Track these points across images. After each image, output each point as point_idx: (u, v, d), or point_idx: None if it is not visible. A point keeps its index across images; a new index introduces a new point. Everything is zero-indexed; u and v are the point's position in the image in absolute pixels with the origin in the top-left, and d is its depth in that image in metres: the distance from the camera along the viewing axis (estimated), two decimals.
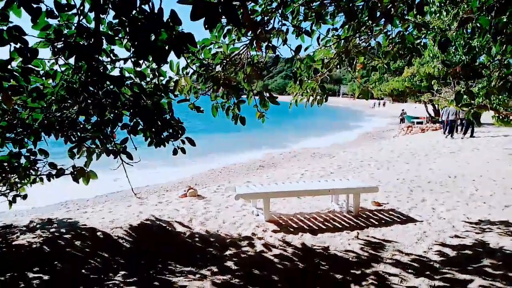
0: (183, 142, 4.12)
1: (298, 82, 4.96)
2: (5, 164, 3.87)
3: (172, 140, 4.13)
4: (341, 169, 10.49)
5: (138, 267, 3.95)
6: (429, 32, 5.04)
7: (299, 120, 37.35)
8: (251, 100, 4.42)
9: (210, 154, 16.06)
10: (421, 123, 24.19)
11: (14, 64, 2.78)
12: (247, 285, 3.61)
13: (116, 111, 3.73)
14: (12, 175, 4.28)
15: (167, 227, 5.01)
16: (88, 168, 3.91)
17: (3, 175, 4.13)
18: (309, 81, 5.01)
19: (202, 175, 11.63)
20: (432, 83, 13.06)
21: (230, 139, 21.52)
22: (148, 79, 4.05)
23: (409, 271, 4.03)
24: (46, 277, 3.47)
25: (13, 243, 4.28)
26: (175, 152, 4.21)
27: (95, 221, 5.13)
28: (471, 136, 16.42)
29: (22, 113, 3.81)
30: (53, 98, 3.61)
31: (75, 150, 3.80)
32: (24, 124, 3.79)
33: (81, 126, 3.93)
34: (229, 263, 4.09)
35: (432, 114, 25.72)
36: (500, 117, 10.84)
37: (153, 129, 3.94)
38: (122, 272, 3.74)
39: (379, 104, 62.18)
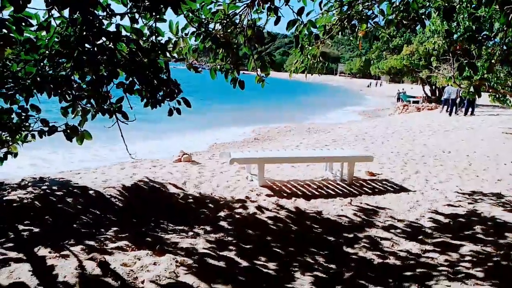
0: (179, 102, 4.03)
1: (299, 47, 4.84)
2: None
3: (168, 100, 4.04)
4: (335, 142, 10.47)
5: (130, 225, 3.93)
6: (434, 0, 4.90)
7: (294, 97, 37.08)
8: (251, 65, 4.32)
9: (203, 128, 15.92)
10: (417, 102, 24.18)
11: (5, 13, 2.66)
12: (239, 243, 3.60)
13: (111, 69, 3.62)
14: (3, 133, 4.18)
15: (161, 188, 4.97)
16: (82, 128, 3.83)
17: None
18: (310, 47, 4.90)
19: (196, 148, 11.56)
20: (431, 60, 12.91)
21: (225, 114, 21.35)
22: (145, 38, 3.92)
23: (401, 235, 4.06)
24: (36, 230, 3.43)
25: (4, 198, 4.21)
26: (170, 113, 4.12)
27: (87, 180, 5.07)
28: (472, 114, 16.69)
29: (13, 65, 3.68)
30: (47, 52, 3.48)
31: (69, 110, 3.70)
32: (15, 77, 3.67)
33: (76, 84, 3.82)
34: (222, 223, 4.08)
35: (429, 94, 25.67)
36: (497, 96, 10.81)
37: (149, 88, 3.85)
38: (114, 228, 3.71)
39: (376, 84, 61.91)
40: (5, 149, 4.46)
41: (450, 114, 17.25)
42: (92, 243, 3.22)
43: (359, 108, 28.01)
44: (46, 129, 4.03)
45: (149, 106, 4.06)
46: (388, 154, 8.12)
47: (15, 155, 4.56)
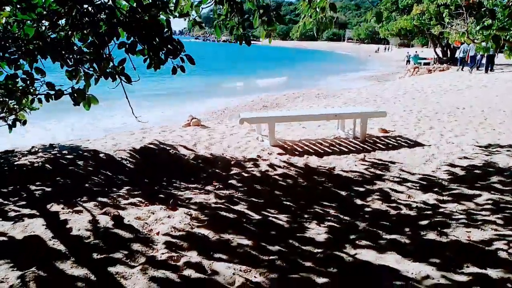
0: (182, 60, 3.91)
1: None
2: (2, 88, 3.71)
3: (171, 57, 3.92)
4: (346, 105, 10.28)
5: (142, 184, 3.91)
6: None
7: (301, 65, 36.43)
8: (257, 21, 4.14)
9: (210, 96, 15.74)
10: (428, 64, 23.54)
11: None
12: (251, 198, 3.57)
13: (111, 27, 3.49)
14: (9, 100, 4.14)
15: (171, 150, 4.93)
16: (88, 92, 3.75)
17: (1, 99, 3.98)
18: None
19: (204, 115, 11.46)
20: (444, 15, 12.39)
21: (230, 82, 21.08)
22: None
23: (416, 188, 3.98)
24: (48, 189, 3.42)
25: (15, 163, 4.21)
26: (174, 71, 4.01)
27: (97, 145, 5.05)
28: (491, 70, 16.49)
29: (13, 27, 3.58)
30: (44, 12, 3.35)
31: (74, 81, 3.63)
32: (16, 39, 3.58)
33: (77, 48, 3.72)
34: (233, 181, 4.04)
35: (440, 55, 24.96)
36: None
37: (151, 47, 3.72)
38: (126, 187, 3.69)
39: (384, 49, 60.36)
40: (13, 116, 4.43)
41: (470, 71, 17.00)
42: (105, 200, 3.21)
43: (368, 74, 27.37)
44: (52, 92, 3.97)
45: (152, 68, 3.95)
46: (401, 112, 7.94)
47: (24, 122, 4.52)
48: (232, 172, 4.31)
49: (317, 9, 4.77)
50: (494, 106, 8.39)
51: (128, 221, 2.75)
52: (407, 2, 24.00)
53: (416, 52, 28.55)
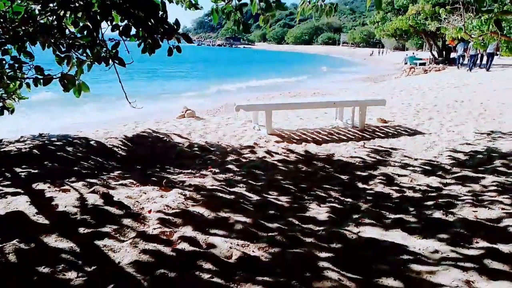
0: (178, 40, 3.77)
1: None
2: None
3: (166, 38, 3.78)
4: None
5: (133, 169, 3.75)
6: None
7: (297, 66, 36.41)
8: (255, 7, 4.01)
9: (206, 96, 15.57)
10: (424, 64, 23.55)
11: None
12: (249, 181, 3.42)
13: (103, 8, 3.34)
14: None
15: (165, 138, 4.78)
16: (79, 79, 3.60)
17: None
18: None
19: (199, 112, 11.30)
20: (440, 11, 12.38)
21: (227, 84, 20.94)
22: None
23: (419, 172, 3.86)
24: (34, 171, 3.25)
25: (1, 150, 4.04)
26: (170, 52, 3.87)
27: (88, 134, 4.88)
28: (489, 67, 16.60)
29: (0, 4, 3.41)
30: None
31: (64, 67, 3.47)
32: (4, 20, 3.42)
33: (70, 32, 3.57)
34: (230, 166, 3.90)
35: (436, 55, 24.99)
36: (510, 43, 10.34)
37: (145, 28, 3.58)
38: (117, 171, 3.53)
39: (379, 52, 60.37)
40: (0, 104, 4.26)
41: (469, 70, 16.99)
42: (94, 180, 3.04)
43: (363, 75, 27.28)
44: (41, 77, 3.80)
45: (147, 53, 3.80)
46: (399, 105, 7.84)
47: (12, 111, 4.35)
48: (228, 159, 4.17)
49: None
50: (493, 99, 8.31)
51: (118, 199, 2.59)
52: (402, 3, 24.05)
53: (413, 53, 28.60)
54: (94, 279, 1.67)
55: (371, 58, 54.09)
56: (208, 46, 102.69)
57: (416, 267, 1.99)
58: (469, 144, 4.63)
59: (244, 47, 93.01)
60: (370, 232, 2.46)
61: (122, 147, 4.40)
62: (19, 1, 3.30)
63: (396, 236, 2.41)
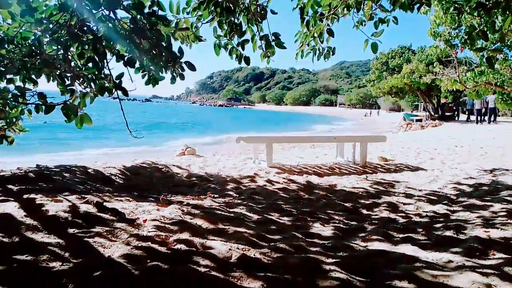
0: (182, 69, 3.84)
1: (305, 23, 4.71)
2: None
3: (171, 65, 3.85)
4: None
5: (130, 195, 3.63)
6: None
7: (295, 124, 37.10)
8: (256, 45, 4.16)
9: (206, 138, 15.65)
10: (420, 120, 23.98)
11: None
12: (248, 203, 3.29)
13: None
14: None
15: (163, 169, 4.69)
16: (82, 111, 3.62)
17: None
18: (315, 25, 4.76)
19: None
20: (434, 65, 12.88)
21: (225, 132, 21.13)
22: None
23: (425, 201, 3.73)
24: (28, 187, 3.13)
25: None
26: (173, 80, 3.93)
27: (87, 163, 4.81)
28: (494, 121, 17.45)
29: (9, 29, 3.51)
30: (43, 19, 3.33)
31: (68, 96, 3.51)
32: (11, 43, 3.50)
33: (75, 65, 3.65)
34: (230, 192, 3.78)
35: (432, 112, 25.56)
36: (505, 95, 10.58)
37: (151, 57, 3.67)
38: (115, 193, 3.41)
39: (371, 113, 61.52)
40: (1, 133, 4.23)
41: (477, 123, 17.99)
42: (88, 196, 2.92)
43: (361, 134, 27.63)
44: (40, 102, 3.80)
45: (151, 84, 3.86)
46: (399, 149, 7.83)
47: (11, 142, 4.32)
48: (228, 187, 4.06)
49: (315, 35, 4.83)
50: (492, 144, 8.34)
51: (112, 208, 2.46)
52: (396, 62, 25.10)
53: (411, 111, 29.34)
54: (79, 269, 1.53)
55: (367, 118, 55.10)
56: (210, 106, 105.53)
57: (430, 272, 1.84)
58: (473, 178, 4.55)
59: (244, 107, 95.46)
60: (378, 246, 2.32)
61: (120, 176, 4.30)
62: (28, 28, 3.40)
63: (407, 249, 2.26)
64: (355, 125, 29.95)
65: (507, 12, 4.21)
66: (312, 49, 4.83)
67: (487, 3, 4.04)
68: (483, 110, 18.24)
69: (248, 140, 5.03)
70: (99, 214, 2.28)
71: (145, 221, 2.36)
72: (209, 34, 4.15)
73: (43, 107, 4.00)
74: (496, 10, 4.62)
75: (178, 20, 4.27)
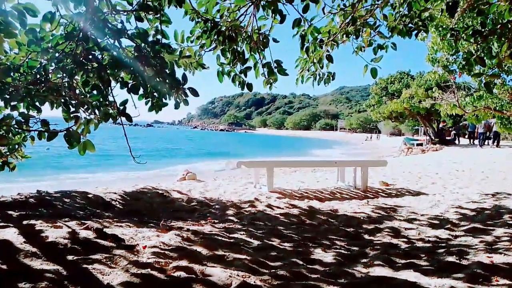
0: (186, 94, 3.89)
1: (305, 49, 4.81)
2: None
3: (174, 91, 3.90)
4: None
5: (131, 220, 3.61)
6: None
7: (295, 148, 37.16)
8: (258, 72, 4.25)
9: (207, 163, 15.67)
10: (421, 144, 24.02)
11: (7, 6, 2.62)
12: (249, 228, 3.27)
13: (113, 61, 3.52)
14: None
15: (164, 194, 4.68)
16: (86, 137, 3.65)
17: None
18: (315, 51, 4.86)
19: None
20: (433, 90, 13.04)
21: (227, 158, 21.17)
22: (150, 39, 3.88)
23: (427, 226, 3.71)
24: (28, 212, 3.12)
25: None
26: (177, 106, 3.98)
27: (87, 188, 4.80)
28: (497, 145, 17.54)
29: (15, 58, 3.59)
30: (50, 48, 3.42)
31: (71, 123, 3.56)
32: (17, 70, 3.57)
33: (79, 93, 3.72)
34: (231, 217, 3.76)
35: (432, 137, 25.63)
36: (504, 119, 10.64)
37: (155, 84, 3.73)
38: (115, 219, 3.40)
39: (371, 137, 61.57)
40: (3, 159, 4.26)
41: (481, 146, 18.13)
42: (88, 222, 2.91)
43: (362, 158, 27.65)
44: (43, 129, 3.84)
45: (154, 111, 3.91)
46: (400, 173, 7.82)
47: (13, 168, 4.34)
48: (228, 212, 4.04)
49: (314, 60, 4.92)
50: (494, 168, 8.32)
51: (112, 234, 2.45)
52: (396, 88, 25.38)
53: (413, 136, 29.47)
54: None
55: (367, 143, 55.12)
56: (211, 131, 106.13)
57: None
58: (475, 202, 4.52)
59: (245, 131, 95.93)
60: (380, 272, 2.29)
61: (120, 201, 4.29)
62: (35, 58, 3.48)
63: (409, 275, 2.23)
64: (355, 150, 29.98)
65: (503, 39, 4.30)
66: (312, 74, 4.92)
67: (483, 30, 4.14)
68: (488, 133, 18.48)
69: (249, 165, 5.04)
70: (98, 240, 2.27)
71: (144, 247, 2.34)
72: (212, 60, 4.21)
73: (46, 133, 4.05)
74: (492, 37, 4.71)
75: (182, 49, 4.37)
